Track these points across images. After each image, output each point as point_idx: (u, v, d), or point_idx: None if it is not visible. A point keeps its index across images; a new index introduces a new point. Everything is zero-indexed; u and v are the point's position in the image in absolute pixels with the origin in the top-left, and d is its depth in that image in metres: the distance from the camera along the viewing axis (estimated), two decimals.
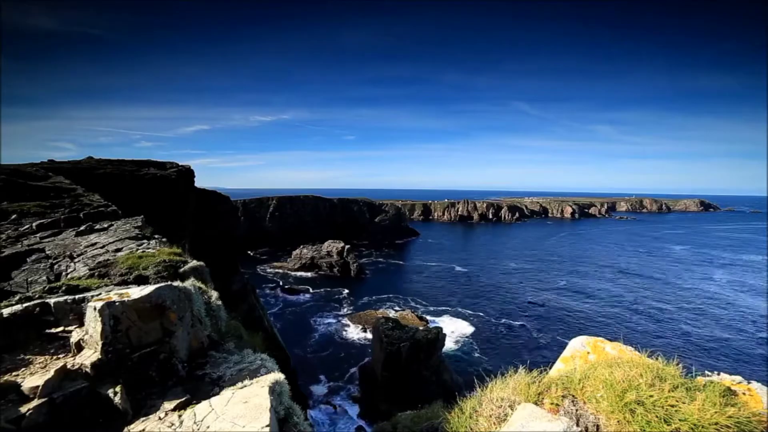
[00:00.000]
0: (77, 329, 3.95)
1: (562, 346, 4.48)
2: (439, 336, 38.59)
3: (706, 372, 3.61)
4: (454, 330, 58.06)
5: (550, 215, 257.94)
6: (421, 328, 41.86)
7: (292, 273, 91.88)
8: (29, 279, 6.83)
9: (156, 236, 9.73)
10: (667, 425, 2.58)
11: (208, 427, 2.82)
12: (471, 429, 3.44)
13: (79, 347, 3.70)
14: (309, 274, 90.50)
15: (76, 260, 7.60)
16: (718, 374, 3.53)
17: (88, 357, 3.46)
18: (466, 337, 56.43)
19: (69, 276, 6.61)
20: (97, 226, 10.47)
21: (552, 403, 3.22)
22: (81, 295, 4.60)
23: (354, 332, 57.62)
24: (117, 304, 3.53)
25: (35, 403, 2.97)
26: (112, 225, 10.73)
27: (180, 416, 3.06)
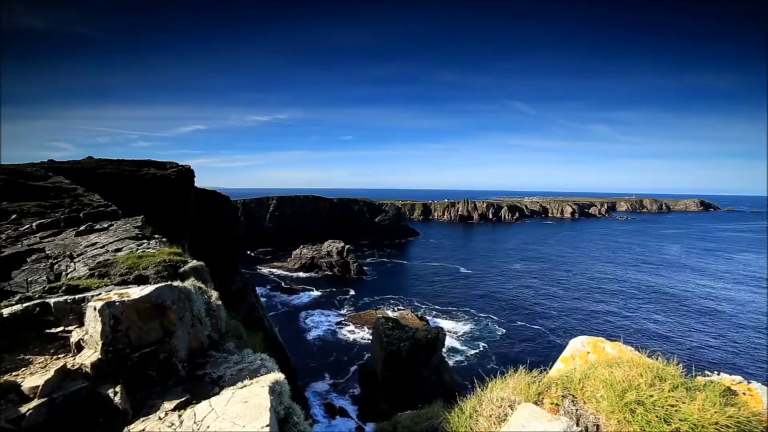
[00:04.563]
0: (77, 329, 3.95)
1: (562, 346, 4.48)
2: (439, 336, 38.59)
3: (706, 372, 3.61)
4: (455, 330, 58.07)
5: (550, 215, 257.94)
6: (421, 327, 41.86)
7: (292, 273, 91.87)
8: (29, 279, 6.82)
9: (156, 236, 9.73)
10: (667, 425, 2.58)
11: (208, 427, 2.82)
12: (471, 429, 3.44)
13: (79, 347, 3.70)
14: (309, 274, 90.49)
15: (76, 260, 7.59)
16: (718, 374, 3.53)
17: (88, 357, 3.46)
18: (467, 336, 56.45)
19: (69, 276, 6.61)
20: (97, 226, 10.47)
21: (552, 403, 3.22)
22: (81, 295, 4.60)
23: (354, 332, 57.63)
24: (117, 303, 3.52)
25: (35, 403, 2.97)
26: (112, 225, 10.73)
27: (180, 416, 3.06)
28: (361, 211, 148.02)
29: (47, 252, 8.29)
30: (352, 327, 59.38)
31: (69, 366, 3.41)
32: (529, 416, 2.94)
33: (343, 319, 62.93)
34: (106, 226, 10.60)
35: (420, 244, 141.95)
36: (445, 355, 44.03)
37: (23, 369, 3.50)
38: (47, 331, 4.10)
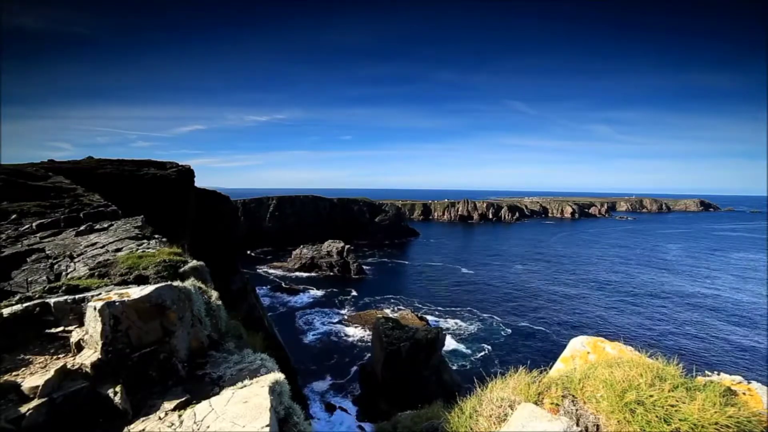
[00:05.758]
0: (77, 329, 3.95)
1: (562, 346, 4.48)
2: (439, 336, 38.59)
3: (706, 372, 3.61)
4: (455, 330, 58.07)
5: (550, 215, 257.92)
6: (421, 327, 41.86)
7: (292, 273, 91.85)
8: (29, 279, 6.82)
9: (156, 236, 9.73)
10: (667, 425, 2.58)
11: (208, 426, 2.82)
12: (471, 429, 3.44)
13: (79, 347, 3.70)
14: (309, 274, 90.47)
15: (76, 260, 7.59)
16: (718, 374, 3.53)
17: (88, 357, 3.46)
18: (467, 336, 56.43)
19: (69, 276, 6.61)
20: (97, 226, 10.47)
21: (552, 403, 3.22)
22: (81, 295, 4.60)
23: (354, 332, 57.60)
24: (117, 303, 3.52)
25: (35, 402, 2.97)
26: (112, 225, 10.73)
27: (180, 416, 3.06)
28: (361, 211, 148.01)
29: (47, 252, 8.29)
30: (352, 327, 59.34)
31: (69, 366, 3.41)
32: (529, 416, 2.94)
33: (343, 319, 62.90)
34: (106, 226, 10.60)
35: (420, 244, 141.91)
36: (445, 355, 44.03)
37: (23, 369, 3.50)
38: (47, 331, 4.10)
